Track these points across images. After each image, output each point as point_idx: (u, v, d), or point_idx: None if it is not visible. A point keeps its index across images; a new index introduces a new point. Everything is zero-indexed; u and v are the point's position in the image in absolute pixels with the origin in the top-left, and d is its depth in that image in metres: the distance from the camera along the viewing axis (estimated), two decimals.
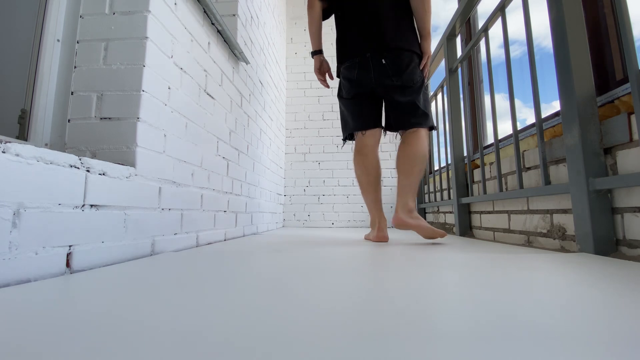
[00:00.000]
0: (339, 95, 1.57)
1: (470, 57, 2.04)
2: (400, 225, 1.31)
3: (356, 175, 1.54)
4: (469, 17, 1.87)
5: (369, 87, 1.43)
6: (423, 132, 1.42)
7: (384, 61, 1.38)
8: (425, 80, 1.46)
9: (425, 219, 2.77)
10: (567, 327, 0.33)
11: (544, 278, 0.59)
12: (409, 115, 1.41)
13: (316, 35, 1.53)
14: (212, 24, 1.37)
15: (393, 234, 1.93)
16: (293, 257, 0.88)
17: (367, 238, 1.54)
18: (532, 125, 1.32)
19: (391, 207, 2.96)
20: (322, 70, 1.57)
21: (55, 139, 0.90)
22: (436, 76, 2.62)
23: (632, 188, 0.84)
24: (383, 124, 1.53)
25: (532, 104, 1.16)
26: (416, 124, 1.41)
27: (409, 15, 1.45)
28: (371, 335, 0.31)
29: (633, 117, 0.84)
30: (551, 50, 1.05)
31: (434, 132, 2.52)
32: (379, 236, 1.41)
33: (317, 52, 1.57)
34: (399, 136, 1.54)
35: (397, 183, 1.42)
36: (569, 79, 0.96)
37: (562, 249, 1.07)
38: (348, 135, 1.57)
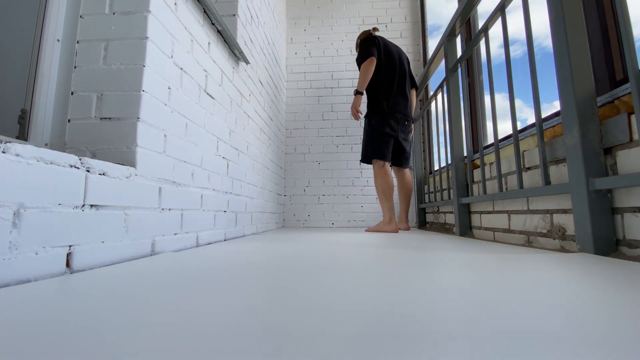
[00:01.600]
0: (375, 128, 2.21)
1: (470, 57, 2.04)
2: (405, 229, 2.36)
3: (382, 186, 2.20)
4: (469, 17, 1.87)
5: (397, 133, 2.24)
6: (409, 170, 2.44)
7: (406, 123, 2.28)
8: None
9: (425, 219, 2.80)
10: (567, 327, 0.33)
11: (544, 278, 0.59)
12: (406, 159, 2.36)
13: (368, 82, 2.21)
14: (212, 24, 1.37)
15: (363, 235, 1.92)
16: (294, 256, 0.88)
17: (369, 230, 2.24)
18: (532, 125, 1.32)
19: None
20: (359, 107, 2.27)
21: (55, 139, 0.90)
22: (436, 76, 2.62)
23: (632, 188, 0.84)
24: None
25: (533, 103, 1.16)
26: (408, 166, 2.40)
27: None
28: (372, 334, 0.31)
29: (633, 117, 0.84)
30: (552, 49, 1.05)
31: (434, 132, 2.55)
32: (395, 227, 2.15)
33: (362, 94, 2.24)
34: None
35: (400, 205, 2.41)
36: (569, 79, 0.96)
37: (562, 249, 1.07)
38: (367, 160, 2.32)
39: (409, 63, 2.43)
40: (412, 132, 2.42)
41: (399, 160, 2.35)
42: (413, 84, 2.43)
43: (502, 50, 1.33)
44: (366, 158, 2.25)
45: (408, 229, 2.38)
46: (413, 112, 2.40)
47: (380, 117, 2.21)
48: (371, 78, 2.23)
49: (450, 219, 2.18)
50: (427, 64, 2.45)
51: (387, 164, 2.21)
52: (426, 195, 2.72)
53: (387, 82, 2.25)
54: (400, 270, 0.69)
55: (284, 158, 3.16)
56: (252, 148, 2.02)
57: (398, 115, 2.21)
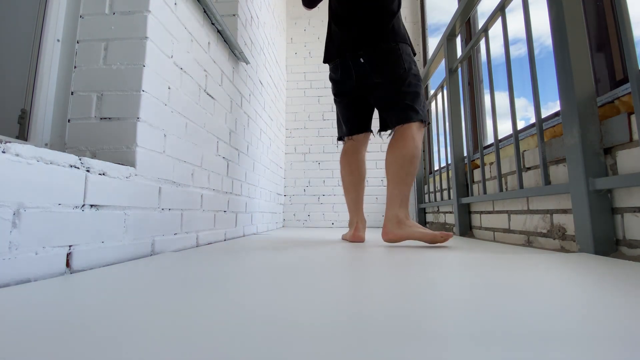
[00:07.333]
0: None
1: (470, 57, 2.04)
2: (390, 240, 1.24)
3: (341, 175, 1.57)
4: (469, 17, 1.87)
5: (351, 88, 1.44)
6: (412, 128, 1.31)
7: (362, 60, 1.37)
8: (413, 68, 1.37)
9: (425, 219, 2.77)
10: (567, 327, 0.33)
11: (544, 278, 0.59)
12: (393, 111, 1.36)
13: None
14: (212, 24, 1.37)
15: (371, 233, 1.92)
16: (292, 257, 0.88)
17: (344, 238, 1.52)
18: (532, 125, 1.32)
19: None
20: None
21: (55, 139, 0.90)
22: (436, 76, 2.62)
23: (632, 188, 0.84)
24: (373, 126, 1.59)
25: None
26: (403, 120, 1.32)
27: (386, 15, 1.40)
28: (372, 334, 0.31)
29: (633, 117, 0.84)
30: (552, 49, 1.05)
31: (435, 132, 2.52)
32: (355, 236, 1.41)
33: None
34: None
35: (387, 192, 1.33)
36: (569, 79, 0.96)
37: (562, 249, 1.07)
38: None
39: None
40: (396, 64, 1.34)
41: (383, 120, 1.47)
42: None
43: (504, 50, 1.33)
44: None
45: (391, 238, 1.24)
46: (384, 34, 1.37)
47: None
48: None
49: (450, 219, 2.18)
50: (427, 64, 2.45)
51: (348, 142, 1.53)
52: (426, 195, 2.72)
53: (331, 18, 1.52)
54: (400, 270, 0.69)
55: (284, 158, 3.16)
56: (252, 148, 2.02)
57: (341, 61, 1.42)
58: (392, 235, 1.24)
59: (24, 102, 0.88)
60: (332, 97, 3.20)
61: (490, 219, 1.58)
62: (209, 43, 1.35)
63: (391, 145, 1.35)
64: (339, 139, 1.63)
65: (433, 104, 2.50)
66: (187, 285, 0.53)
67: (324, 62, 1.55)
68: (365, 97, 1.46)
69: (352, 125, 1.51)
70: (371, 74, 1.37)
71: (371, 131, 1.56)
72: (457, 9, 1.79)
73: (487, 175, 1.60)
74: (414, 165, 1.29)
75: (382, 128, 1.50)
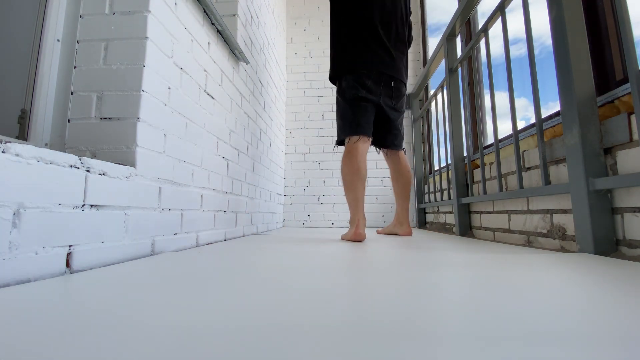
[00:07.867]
0: (343, 97, 1.66)
1: (470, 57, 2.04)
2: (406, 234, 1.80)
3: (342, 174, 1.62)
4: (469, 17, 1.87)
5: (377, 98, 1.64)
6: (404, 154, 1.84)
7: (392, 84, 1.67)
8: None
9: (425, 219, 2.80)
10: (567, 327, 0.33)
11: (543, 278, 0.59)
12: (396, 136, 1.78)
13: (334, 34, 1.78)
14: (212, 24, 1.37)
15: (372, 232, 1.93)
16: (293, 256, 0.88)
17: (343, 238, 1.54)
18: (532, 125, 1.32)
19: (391, 207, 2.98)
20: None
21: (55, 139, 0.90)
22: (436, 76, 2.62)
23: (632, 188, 0.84)
24: None
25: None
26: (399, 146, 1.81)
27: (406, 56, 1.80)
28: (373, 334, 0.31)
29: (633, 117, 0.84)
30: (552, 49, 1.05)
31: (435, 132, 2.55)
32: (356, 234, 1.46)
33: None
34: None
35: (398, 205, 1.84)
36: (569, 79, 0.96)
37: (562, 249, 1.07)
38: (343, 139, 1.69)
39: (406, 13, 1.78)
40: (404, 103, 1.78)
41: (387, 138, 1.75)
42: (407, 39, 1.80)
43: (504, 50, 1.33)
44: (339, 137, 1.68)
45: (409, 233, 1.79)
46: (406, 77, 1.76)
47: (350, 76, 1.62)
48: (336, 25, 1.70)
49: (450, 219, 2.18)
50: (427, 64, 2.45)
51: (363, 139, 1.59)
52: (426, 195, 2.72)
53: (358, 29, 1.65)
54: (401, 270, 0.69)
55: (284, 158, 3.16)
56: (252, 148, 2.02)
57: (377, 74, 1.61)
58: (410, 232, 1.81)
59: (24, 102, 0.88)
60: (333, 98, 3.22)
61: (490, 219, 1.58)
62: (209, 43, 1.35)
63: (397, 166, 1.82)
64: (340, 142, 1.70)
65: (433, 104, 2.50)
66: (187, 285, 0.53)
67: (349, 68, 1.64)
68: (379, 110, 1.69)
69: (370, 127, 1.66)
70: (392, 98, 1.69)
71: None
72: (457, 9, 1.79)
73: (487, 175, 1.60)
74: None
75: (374, 142, 1.80)
